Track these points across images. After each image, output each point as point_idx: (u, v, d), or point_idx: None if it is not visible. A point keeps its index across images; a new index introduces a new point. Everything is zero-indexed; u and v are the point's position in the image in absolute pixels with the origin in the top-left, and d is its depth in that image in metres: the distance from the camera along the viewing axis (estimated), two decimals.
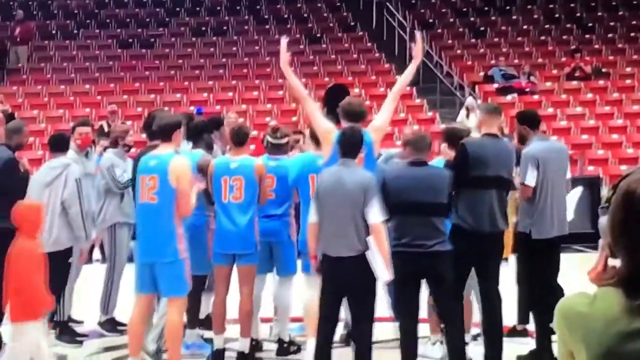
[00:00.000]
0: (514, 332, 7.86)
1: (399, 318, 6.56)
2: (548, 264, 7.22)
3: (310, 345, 6.66)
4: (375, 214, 6.01)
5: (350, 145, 6.18)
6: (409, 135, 6.89)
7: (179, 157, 6.59)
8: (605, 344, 2.07)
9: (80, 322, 8.52)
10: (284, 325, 7.52)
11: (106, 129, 14.57)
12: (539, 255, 7.15)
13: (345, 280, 6.06)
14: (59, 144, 7.84)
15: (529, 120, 7.45)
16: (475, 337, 7.44)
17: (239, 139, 7.24)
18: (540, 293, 7.09)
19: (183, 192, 6.43)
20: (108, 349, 7.93)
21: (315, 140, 7.01)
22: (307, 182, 6.91)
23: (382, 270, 5.98)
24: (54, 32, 21.85)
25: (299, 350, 7.44)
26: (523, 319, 7.78)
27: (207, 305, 7.71)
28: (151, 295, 6.72)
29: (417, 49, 7.06)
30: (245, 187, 7.01)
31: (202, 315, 7.76)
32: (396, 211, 6.28)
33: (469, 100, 17.29)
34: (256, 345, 7.45)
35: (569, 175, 7.39)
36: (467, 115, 16.40)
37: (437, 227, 6.32)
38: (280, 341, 7.52)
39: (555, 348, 2.31)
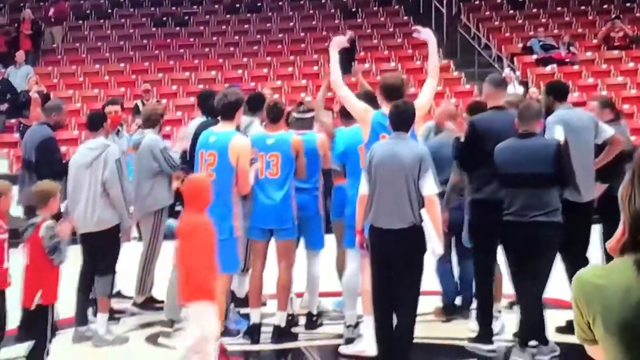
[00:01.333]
0: None
1: (515, 287, 6.60)
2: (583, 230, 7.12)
3: (365, 324, 6.66)
4: (430, 186, 5.98)
5: (402, 119, 6.15)
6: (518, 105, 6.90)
7: (239, 136, 6.68)
8: (621, 314, 2.09)
9: (130, 298, 8.49)
10: (313, 299, 7.52)
11: (141, 108, 14.55)
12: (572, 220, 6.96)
13: (393, 252, 6.03)
14: (96, 123, 7.77)
15: (556, 91, 7.41)
16: (511, 306, 7.53)
17: (274, 114, 7.24)
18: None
19: (243, 170, 6.50)
20: (144, 326, 7.92)
21: (346, 115, 7.06)
22: (357, 154, 6.77)
23: (436, 243, 5.96)
24: (88, 11, 21.82)
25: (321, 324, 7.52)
26: None
27: (246, 285, 7.65)
28: (226, 273, 6.64)
29: (424, 36, 7.01)
30: (282, 163, 7.02)
31: (242, 295, 7.72)
32: (506, 182, 6.43)
33: (506, 72, 17.00)
34: (292, 320, 7.43)
35: (608, 134, 7.18)
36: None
37: (542, 198, 6.36)
38: (309, 314, 7.53)
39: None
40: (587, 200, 7.06)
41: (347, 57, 7.23)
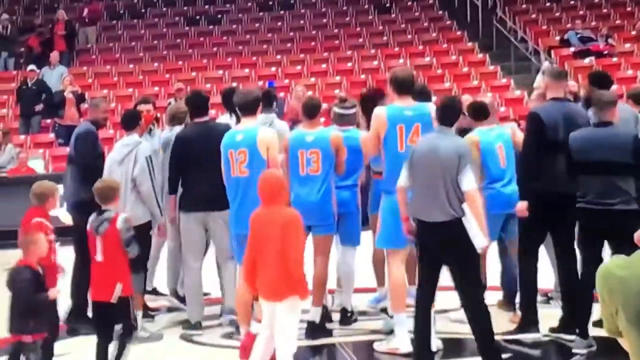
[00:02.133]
0: None
1: (584, 273, 6.52)
2: None
3: (397, 321, 6.62)
4: (469, 181, 5.94)
5: (448, 113, 6.18)
6: (595, 95, 6.92)
7: (264, 129, 6.78)
8: None
9: (165, 295, 8.50)
10: (348, 295, 7.47)
11: None
12: None
13: (437, 244, 6.03)
14: (131, 122, 7.82)
15: (598, 82, 7.36)
16: (548, 300, 7.59)
17: (311, 111, 7.24)
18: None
19: (274, 160, 6.57)
20: (179, 323, 7.87)
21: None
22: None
23: (479, 236, 5.91)
24: (121, 11, 21.90)
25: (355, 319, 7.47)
26: None
27: None
28: None
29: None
30: (323, 160, 7.02)
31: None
32: (580, 170, 6.41)
33: (546, 65, 16.73)
34: (326, 315, 7.37)
35: None
36: None
37: (619, 186, 6.34)
38: (343, 310, 7.47)
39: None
40: None
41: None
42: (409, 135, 6.52)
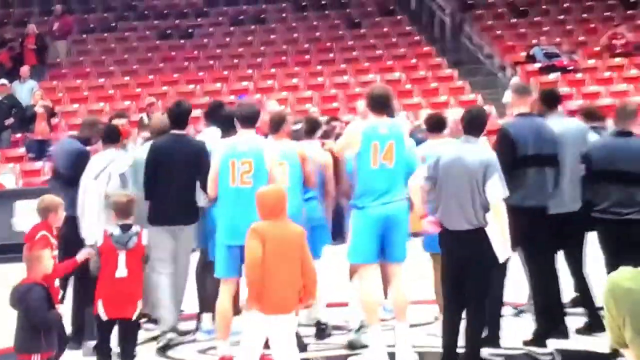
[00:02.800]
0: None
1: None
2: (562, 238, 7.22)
3: (371, 334, 6.68)
4: (494, 192, 6.05)
5: (474, 124, 6.31)
6: (617, 105, 7.25)
7: (269, 141, 6.90)
8: None
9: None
10: (317, 308, 7.51)
11: (146, 121, 14.58)
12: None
13: (464, 253, 6.13)
14: (111, 137, 7.85)
15: (546, 99, 7.45)
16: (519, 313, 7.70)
17: (277, 125, 7.42)
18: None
19: (275, 175, 6.61)
20: (153, 339, 7.85)
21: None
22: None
23: (501, 248, 6.02)
24: (92, 25, 21.89)
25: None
26: None
27: None
28: (238, 278, 6.71)
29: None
30: (291, 173, 7.12)
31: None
32: (597, 179, 6.61)
33: (514, 81, 17.02)
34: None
35: None
36: None
37: (635, 196, 6.51)
38: (318, 324, 7.58)
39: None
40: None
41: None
42: (382, 152, 6.57)
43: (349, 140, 6.76)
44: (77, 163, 7.76)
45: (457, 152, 6.21)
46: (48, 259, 5.75)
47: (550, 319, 6.92)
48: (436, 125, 7.59)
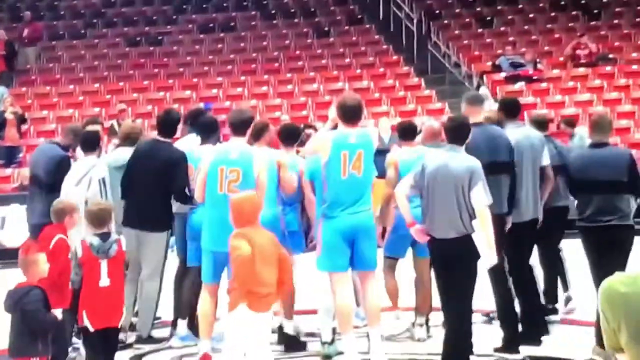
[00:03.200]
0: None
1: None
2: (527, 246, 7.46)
3: (345, 341, 6.77)
4: (479, 199, 6.20)
5: (458, 132, 6.44)
6: (593, 117, 7.54)
7: (259, 150, 6.91)
8: None
9: None
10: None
11: (117, 128, 14.67)
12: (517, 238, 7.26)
13: (448, 260, 6.27)
14: (91, 143, 7.94)
15: (505, 108, 7.66)
16: (490, 320, 7.78)
17: (258, 133, 7.51)
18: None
19: (263, 184, 6.69)
20: (125, 347, 7.93)
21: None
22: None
23: (488, 253, 6.18)
24: (61, 32, 21.86)
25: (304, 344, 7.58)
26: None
27: None
28: (217, 284, 6.81)
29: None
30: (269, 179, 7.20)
31: None
32: (579, 189, 6.98)
33: (482, 90, 17.33)
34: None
35: (546, 162, 7.45)
36: None
37: (614, 204, 6.80)
38: (280, 328, 7.60)
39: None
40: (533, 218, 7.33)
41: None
42: (351, 162, 6.61)
43: (317, 148, 6.83)
44: (59, 169, 7.83)
45: (443, 159, 6.33)
46: (44, 262, 5.74)
47: (513, 326, 7.08)
48: (408, 132, 7.76)
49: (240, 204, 5.86)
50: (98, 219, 6.24)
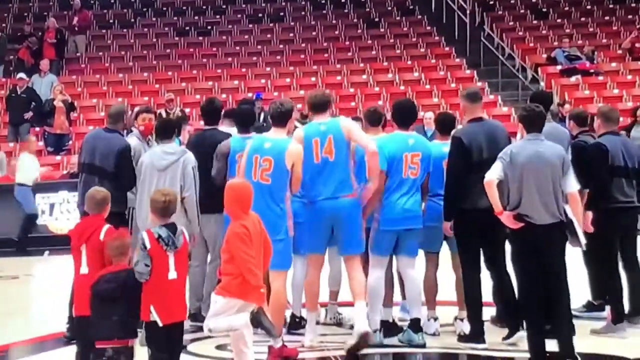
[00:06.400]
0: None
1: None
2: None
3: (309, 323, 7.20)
4: (572, 184, 6.52)
5: (536, 121, 6.59)
6: (602, 109, 7.89)
7: (294, 143, 7.01)
8: None
9: None
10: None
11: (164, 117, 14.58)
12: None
13: (543, 246, 6.42)
14: (167, 131, 7.76)
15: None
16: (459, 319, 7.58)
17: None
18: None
19: (298, 174, 6.88)
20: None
21: (370, 121, 7.70)
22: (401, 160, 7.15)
23: (582, 236, 6.52)
24: (111, 21, 21.93)
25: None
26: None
27: None
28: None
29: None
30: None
31: None
32: (616, 174, 7.45)
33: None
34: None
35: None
36: None
37: (633, 187, 7.52)
38: (292, 316, 7.71)
39: None
40: None
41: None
42: (323, 147, 7.00)
43: (296, 140, 7.07)
44: (123, 157, 7.72)
45: (533, 149, 6.47)
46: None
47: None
48: (447, 125, 7.66)
49: (242, 190, 6.04)
50: (164, 209, 5.97)
